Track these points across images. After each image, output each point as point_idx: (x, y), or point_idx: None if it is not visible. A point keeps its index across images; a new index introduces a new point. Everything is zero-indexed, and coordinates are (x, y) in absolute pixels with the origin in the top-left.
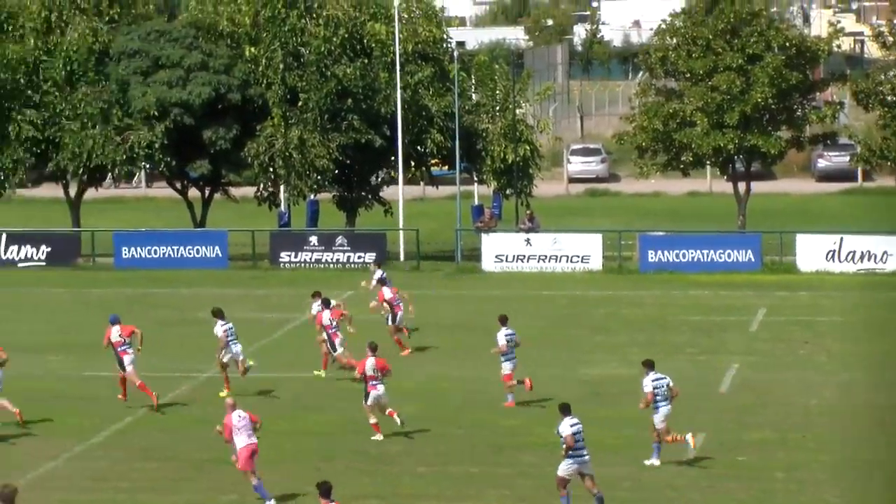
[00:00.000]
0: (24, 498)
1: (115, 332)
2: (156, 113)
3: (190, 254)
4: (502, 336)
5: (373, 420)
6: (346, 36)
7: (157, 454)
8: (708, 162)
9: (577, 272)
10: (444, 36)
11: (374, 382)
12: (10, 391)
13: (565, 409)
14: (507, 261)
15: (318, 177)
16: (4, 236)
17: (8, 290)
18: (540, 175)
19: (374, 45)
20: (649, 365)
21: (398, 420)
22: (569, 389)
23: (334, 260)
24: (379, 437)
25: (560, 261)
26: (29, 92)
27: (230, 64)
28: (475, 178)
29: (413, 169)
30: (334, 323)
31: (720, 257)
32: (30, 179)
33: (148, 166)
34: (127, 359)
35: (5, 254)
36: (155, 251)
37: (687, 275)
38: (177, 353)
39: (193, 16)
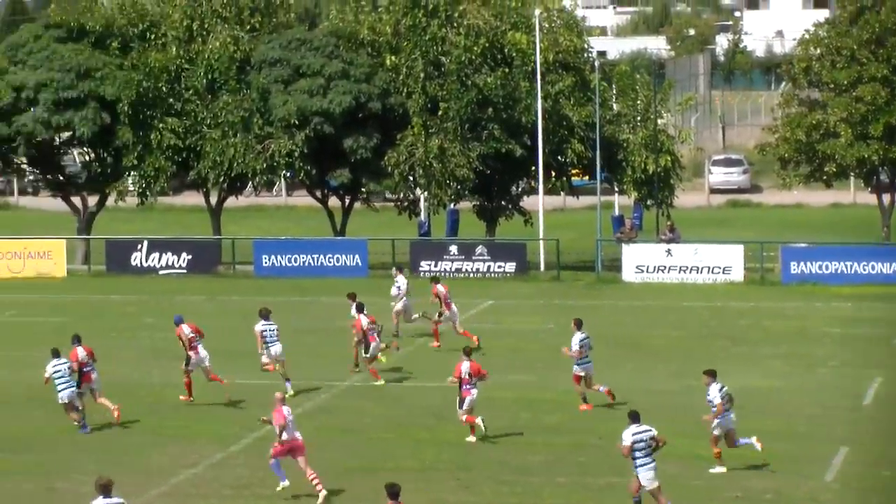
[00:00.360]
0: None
1: (185, 330)
2: (296, 122)
3: (330, 262)
4: (576, 341)
5: (464, 418)
6: (487, 45)
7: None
8: (852, 173)
9: (718, 283)
10: (585, 45)
11: (468, 387)
12: (152, 397)
13: (634, 417)
14: (647, 271)
15: (458, 186)
16: (146, 243)
17: (149, 298)
18: (681, 186)
19: (514, 54)
20: (713, 375)
21: (482, 426)
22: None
23: (474, 269)
24: (473, 438)
25: (701, 272)
26: (171, 100)
27: (371, 73)
28: (616, 189)
29: (553, 179)
30: (372, 326)
31: (863, 269)
32: (171, 187)
33: (288, 175)
34: (193, 356)
35: (147, 261)
36: (295, 259)
37: (829, 287)
38: (317, 361)
39: (334, 25)
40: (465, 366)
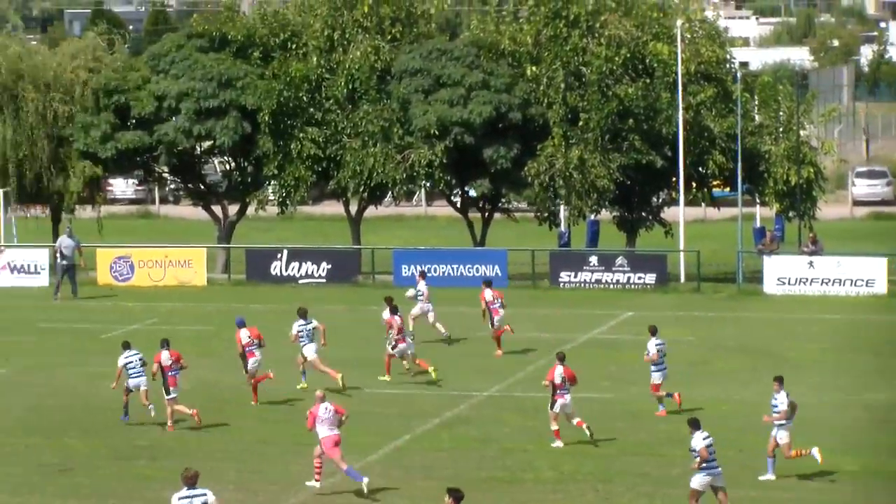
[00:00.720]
0: None
1: (244, 335)
2: (436, 132)
3: (469, 272)
4: (653, 346)
5: (555, 427)
6: (628, 56)
7: (437, 473)
8: None
9: (861, 296)
10: (728, 56)
11: (561, 391)
12: (290, 406)
13: (695, 424)
14: (789, 283)
15: (599, 197)
16: (286, 253)
17: (289, 307)
18: (823, 197)
19: (656, 64)
20: (781, 381)
21: (587, 431)
22: (849, 414)
23: (614, 280)
24: (559, 444)
25: (843, 284)
26: (311, 110)
27: (511, 83)
28: (757, 200)
29: (694, 190)
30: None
31: None
32: (311, 197)
33: (428, 184)
34: (252, 360)
35: (286, 270)
36: (434, 269)
37: None
38: (456, 371)
39: (475, 35)
40: (559, 370)
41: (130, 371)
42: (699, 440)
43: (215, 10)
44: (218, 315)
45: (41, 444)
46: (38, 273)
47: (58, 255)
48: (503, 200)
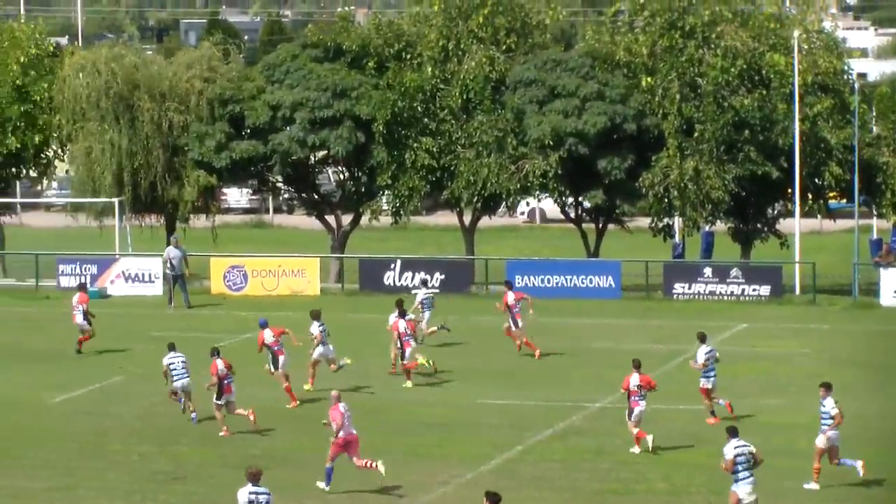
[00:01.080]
0: None
1: (268, 335)
2: (551, 142)
3: (583, 283)
4: (702, 353)
5: (635, 431)
6: (745, 66)
7: (549, 483)
8: None
9: None
10: (845, 67)
11: (636, 398)
12: (404, 416)
13: (733, 432)
14: None
15: (713, 208)
16: (399, 263)
17: None
18: None
19: (772, 76)
20: (829, 388)
21: (649, 443)
22: None
23: (728, 292)
24: (637, 450)
25: None
26: (425, 120)
27: (626, 94)
28: (874, 212)
29: (810, 201)
30: (409, 332)
31: None
32: (424, 207)
33: (542, 195)
34: (282, 359)
35: (400, 280)
36: (548, 280)
37: None
38: (569, 382)
39: (590, 46)
40: (635, 378)
41: (174, 373)
42: (730, 449)
43: (330, 21)
44: (330, 324)
45: (153, 453)
46: (153, 282)
47: (166, 266)
48: (617, 211)
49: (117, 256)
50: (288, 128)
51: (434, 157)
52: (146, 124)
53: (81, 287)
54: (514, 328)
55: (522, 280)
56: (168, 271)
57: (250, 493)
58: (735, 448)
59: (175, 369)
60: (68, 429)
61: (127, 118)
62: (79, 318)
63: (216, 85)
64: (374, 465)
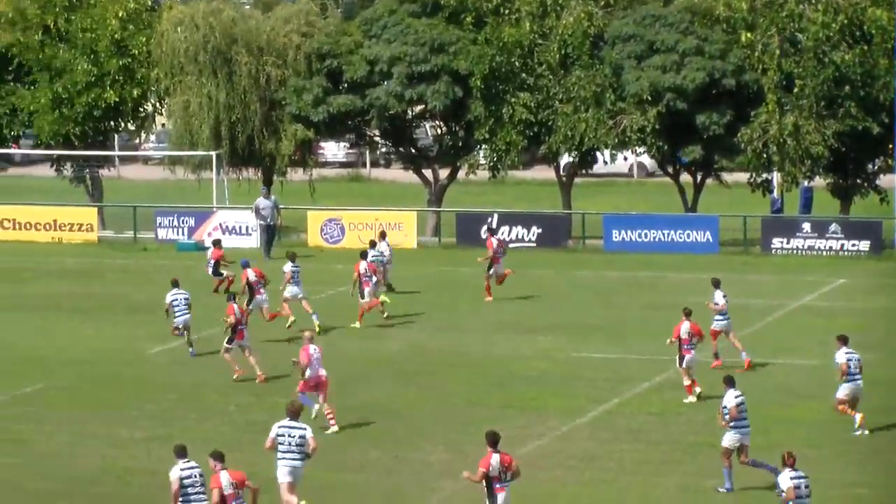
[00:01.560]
0: None
1: (251, 274)
2: (649, 97)
3: (680, 238)
4: (720, 296)
5: (686, 382)
6: (846, 22)
7: (646, 436)
8: None
9: None
10: None
11: (687, 346)
12: (499, 370)
13: (730, 382)
14: None
15: (813, 163)
16: (496, 217)
17: None
18: None
19: (874, 31)
20: (845, 341)
21: (694, 397)
22: None
23: (827, 247)
24: (692, 399)
25: None
26: (523, 75)
27: (725, 49)
28: None
29: None
30: (369, 272)
31: None
32: (522, 161)
33: (640, 150)
34: (260, 298)
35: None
36: (645, 235)
37: None
38: (666, 336)
39: (689, 1)
40: (685, 326)
41: (176, 309)
42: (731, 398)
43: None
44: (427, 278)
45: (251, 403)
46: (249, 234)
47: (257, 217)
48: (715, 166)
49: (214, 209)
50: (385, 82)
51: (531, 111)
52: (244, 78)
53: (216, 243)
54: (491, 272)
55: (619, 235)
56: (260, 222)
57: (281, 426)
58: (736, 398)
59: (177, 306)
60: (167, 379)
61: (224, 72)
62: (210, 270)
63: (314, 39)
64: (332, 422)
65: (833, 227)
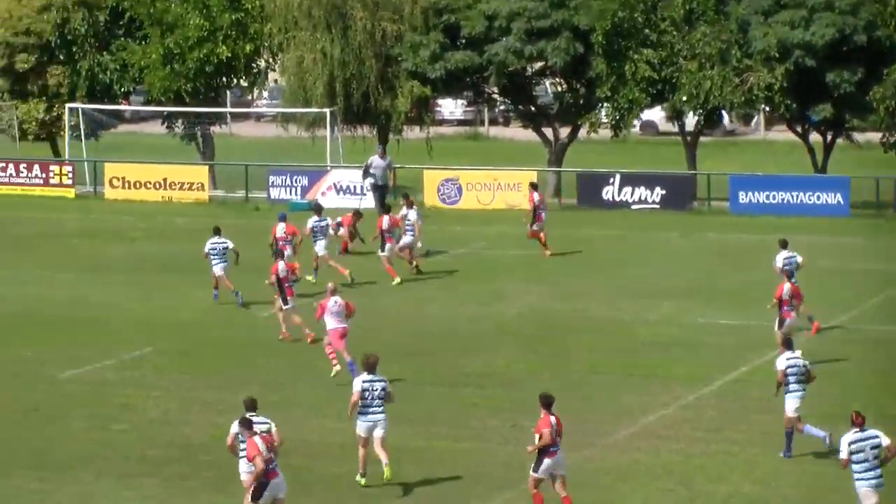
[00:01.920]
0: (633, 445)
1: (280, 228)
2: (776, 54)
3: (810, 200)
4: (781, 259)
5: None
6: None
7: (776, 406)
8: None
9: None
10: None
11: (787, 308)
12: (623, 335)
13: (788, 343)
14: None
15: None
16: (618, 177)
17: (621, 233)
18: None
19: None
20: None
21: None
22: None
23: None
24: None
25: None
26: (646, 31)
27: (856, 4)
28: None
29: None
30: (392, 227)
31: None
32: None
33: (767, 109)
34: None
35: (619, 195)
36: (773, 196)
37: None
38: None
39: None
40: (787, 287)
41: (213, 257)
42: (783, 360)
43: None
44: (548, 241)
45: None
46: (365, 194)
47: (363, 175)
48: (846, 126)
49: (329, 168)
50: (504, 38)
51: (655, 69)
52: (359, 34)
53: (357, 214)
54: (532, 226)
55: (747, 196)
56: (370, 180)
57: (364, 381)
58: (788, 359)
59: (215, 253)
60: (278, 344)
61: (339, 27)
62: (341, 231)
63: None
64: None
65: None
